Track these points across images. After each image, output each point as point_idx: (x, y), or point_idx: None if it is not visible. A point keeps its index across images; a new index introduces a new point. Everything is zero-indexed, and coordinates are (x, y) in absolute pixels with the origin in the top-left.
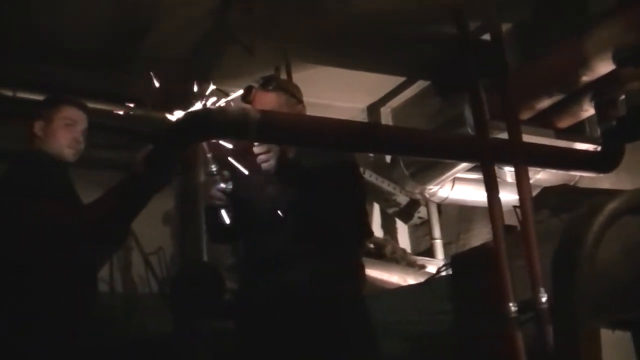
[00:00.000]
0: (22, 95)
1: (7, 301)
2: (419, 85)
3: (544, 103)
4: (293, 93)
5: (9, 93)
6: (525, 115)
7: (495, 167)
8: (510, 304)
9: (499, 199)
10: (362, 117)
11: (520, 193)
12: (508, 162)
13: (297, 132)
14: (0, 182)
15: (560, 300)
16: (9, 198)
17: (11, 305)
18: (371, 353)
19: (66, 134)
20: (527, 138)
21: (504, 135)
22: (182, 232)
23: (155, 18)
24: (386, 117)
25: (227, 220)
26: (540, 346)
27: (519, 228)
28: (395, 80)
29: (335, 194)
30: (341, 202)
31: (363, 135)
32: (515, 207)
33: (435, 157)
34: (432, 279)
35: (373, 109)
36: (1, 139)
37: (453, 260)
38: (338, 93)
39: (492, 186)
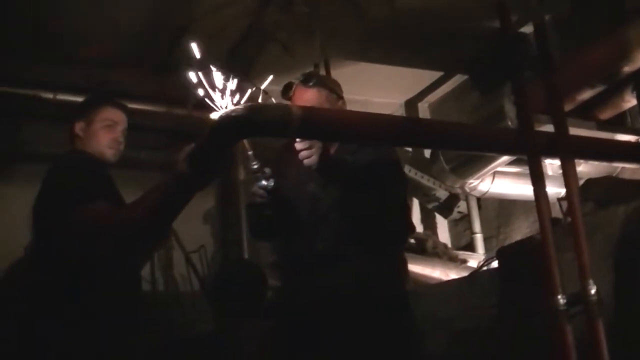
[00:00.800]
0: (62, 97)
1: (52, 301)
2: (457, 80)
3: (585, 95)
4: (333, 89)
5: (50, 95)
6: (567, 107)
7: None
8: (559, 297)
9: (545, 191)
10: (399, 112)
11: (567, 185)
12: (555, 155)
13: (340, 127)
14: (43, 183)
15: (625, 290)
16: (52, 199)
17: (56, 306)
18: (416, 349)
19: (107, 135)
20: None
21: (545, 128)
22: (224, 230)
23: (195, 18)
24: (424, 112)
25: (270, 217)
26: (590, 339)
27: (564, 221)
28: (433, 76)
29: (378, 189)
30: (384, 197)
31: (409, 130)
32: (559, 199)
33: (481, 151)
34: (477, 272)
35: (411, 105)
36: (44, 141)
37: (499, 254)
38: (375, 89)
39: (538, 178)
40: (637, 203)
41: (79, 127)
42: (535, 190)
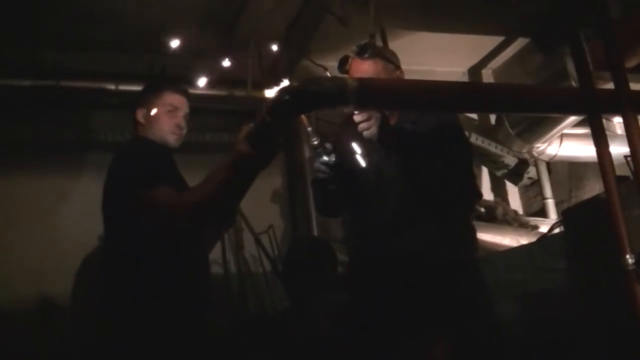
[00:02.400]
0: (124, 87)
1: (124, 287)
2: (518, 44)
3: None
4: (390, 59)
5: (112, 87)
6: (631, 63)
7: (604, 120)
8: (627, 256)
9: (607, 147)
10: (463, 80)
11: (630, 142)
12: (616, 112)
13: (396, 96)
14: (108, 171)
15: None
16: (117, 186)
17: (127, 292)
18: (487, 315)
19: (168, 120)
20: (633, 86)
21: (610, 86)
22: (292, 209)
23: None
24: (487, 78)
25: (334, 192)
26: None
27: (631, 178)
28: (494, 41)
29: (442, 156)
30: (448, 164)
31: (466, 95)
32: (626, 157)
33: (542, 111)
34: (546, 236)
35: (474, 72)
36: (112, 131)
37: (564, 215)
38: (438, 58)
39: (600, 136)
40: None
41: (140, 114)
42: (597, 149)
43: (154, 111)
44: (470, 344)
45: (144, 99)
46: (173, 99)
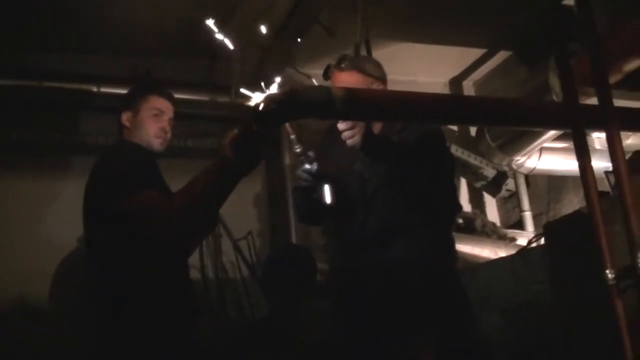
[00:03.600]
0: (106, 90)
1: (104, 292)
2: (500, 56)
3: (633, 65)
4: (368, 71)
5: (94, 88)
6: (614, 78)
7: None
8: (608, 271)
9: (590, 162)
10: (444, 92)
11: (613, 157)
12: (599, 127)
13: (383, 107)
14: (90, 174)
15: None
16: (100, 189)
17: (108, 296)
18: (469, 325)
19: (153, 124)
20: (616, 102)
21: (591, 101)
22: (272, 216)
23: (236, 3)
24: (468, 90)
25: (315, 200)
26: None
27: (612, 194)
28: (476, 53)
29: (424, 167)
30: (430, 175)
31: (450, 107)
32: (606, 172)
33: (526, 125)
34: (526, 249)
35: (455, 83)
36: (99, 133)
37: (546, 229)
38: (420, 69)
39: (583, 151)
40: None
41: (125, 117)
42: (580, 164)
43: (139, 114)
44: (466, 351)
45: (130, 102)
46: (158, 102)
